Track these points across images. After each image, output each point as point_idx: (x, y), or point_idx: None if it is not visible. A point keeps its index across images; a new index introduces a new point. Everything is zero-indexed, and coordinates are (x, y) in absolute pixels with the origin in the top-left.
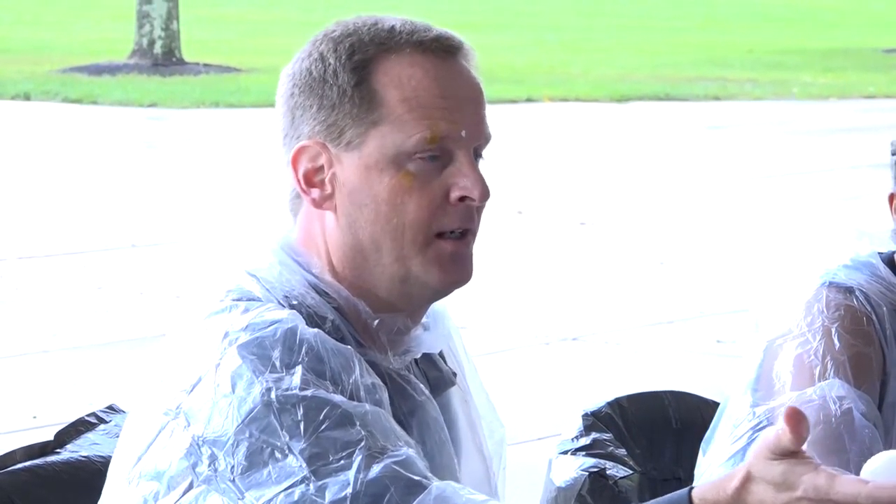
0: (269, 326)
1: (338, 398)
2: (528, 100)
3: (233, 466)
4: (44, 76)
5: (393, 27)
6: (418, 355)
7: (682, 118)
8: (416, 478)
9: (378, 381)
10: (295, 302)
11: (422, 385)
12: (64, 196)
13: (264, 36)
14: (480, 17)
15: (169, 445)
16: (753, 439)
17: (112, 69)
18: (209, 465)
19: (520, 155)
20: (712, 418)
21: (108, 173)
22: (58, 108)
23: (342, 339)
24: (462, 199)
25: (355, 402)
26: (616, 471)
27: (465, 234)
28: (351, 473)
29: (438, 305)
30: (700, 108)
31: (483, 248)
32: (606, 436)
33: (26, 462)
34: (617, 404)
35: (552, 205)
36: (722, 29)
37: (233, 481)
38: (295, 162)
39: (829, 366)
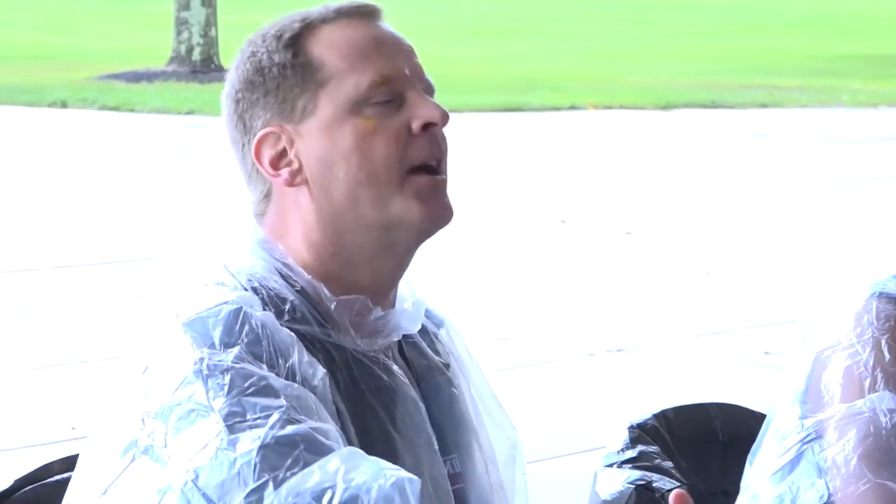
0: (215, 307)
1: (269, 374)
2: (572, 107)
3: (165, 433)
4: (81, 83)
5: (312, 10)
6: (389, 338)
7: (729, 126)
8: (329, 442)
9: (320, 368)
10: (256, 284)
11: (396, 367)
12: (101, 204)
13: None
14: (522, 25)
15: (122, 422)
16: (802, 452)
17: (150, 76)
18: (148, 436)
19: (564, 163)
20: (759, 431)
21: (145, 181)
22: (95, 116)
23: (303, 320)
24: (425, 127)
25: (286, 381)
26: (662, 483)
27: (439, 170)
28: (264, 429)
29: (418, 290)
30: (747, 115)
31: (526, 258)
32: (653, 448)
33: (64, 474)
34: (663, 416)
35: (597, 214)
36: (768, 35)
37: (164, 447)
38: (258, 155)
39: (878, 378)
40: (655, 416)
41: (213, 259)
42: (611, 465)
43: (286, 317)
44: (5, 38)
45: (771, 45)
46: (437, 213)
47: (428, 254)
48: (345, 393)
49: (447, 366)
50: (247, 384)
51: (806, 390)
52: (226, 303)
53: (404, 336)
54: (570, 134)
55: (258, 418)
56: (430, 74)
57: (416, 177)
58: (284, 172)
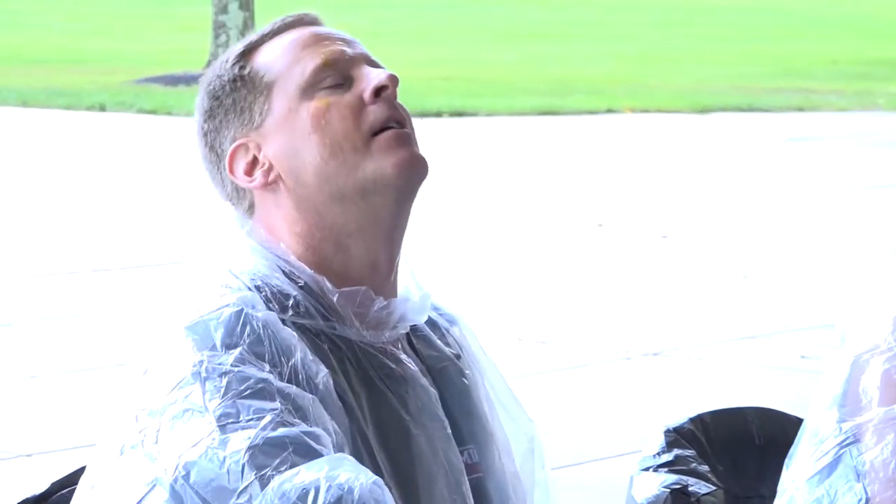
0: (216, 310)
1: (268, 376)
2: (608, 111)
3: (158, 430)
4: (118, 87)
5: (252, 34)
6: (396, 330)
7: (765, 129)
8: (318, 447)
9: (322, 367)
10: (259, 283)
11: (404, 356)
12: (139, 207)
13: None
14: (559, 28)
15: (117, 422)
16: (840, 456)
17: (187, 79)
18: (140, 432)
19: (600, 167)
20: (796, 435)
21: (183, 184)
22: (132, 119)
23: (307, 314)
24: (377, 93)
25: (285, 384)
26: (699, 487)
27: (403, 127)
28: (255, 430)
29: (425, 285)
30: (783, 119)
31: (563, 261)
32: (689, 452)
33: None
34: (699, 420)
35: (633, 217)
36: (804, 39)
37: (156, 443)
38: (232, 171)
39: None
40: (692, 419)
41: (217, 263)
42: (647, 469)
43: (290, 312)
44: (44, 41)
45: (807, 48)
46: (408, 161)
47: (465, 257)
48: (355, 382)
49: (458, 356)
50: (243, 387)
51: (844, 394)
52: (227, 305)
53: (413, 330)
54: (607, 137)
55: (251, 420)
56: (466, 78)
57: (379, 135)
58: (258, 175)
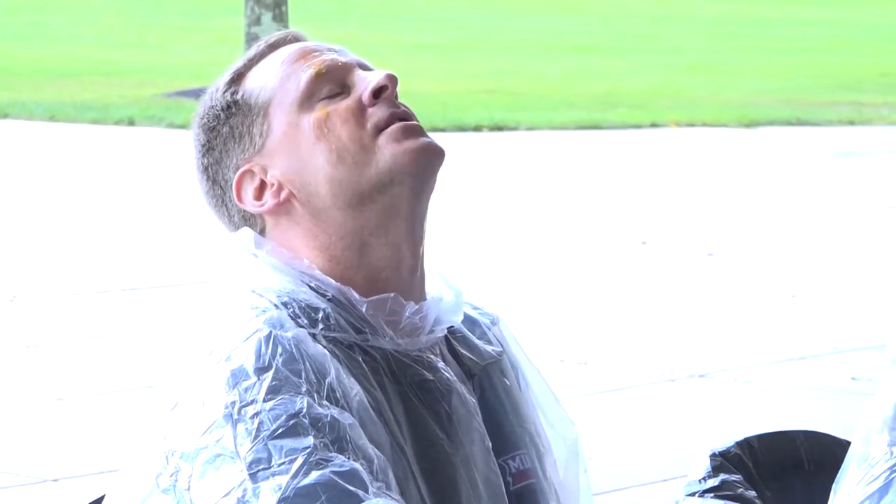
0: (246, 339)
1: (302, 403)
2: (653, 125)
3: (190, 476)
4: (148, 101)
5: (238, 61)
6: (433, 334)
7: (814, 144)
8: (353, 489)
9: (355, 384)
10: (286, 299)
11: (442, 364)
12: (168, 225)
13: (375, 58)
14: (603, 40)
15: (146, 457)
16: (891, 480)
17: None
18: (171, 475)
19: (644, 183)
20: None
21: None
22: (162, 134)
23: (338, 328)
24: (376, 94)
25: (319, 409)
26: None
27: (408, 119)
28: (286, 478)
29: (454, 282)
30: (833, 133)
31: (606, 280)
32: (735, 477)
33: None
34: (746, 444)
35: (678, 235)
36: (854, 51)
37: (187, 489)
38: (241, 199)
39: None
40: (738, 443)
41: (240, 285)
42: (692, 495)
43: (321, 325)
44: (73, 54)
45: (857, 61)
46: (423, 147)
47: (505, 275)
48: (392, 396)
49: (500, 353)
50: (275, 425)
51: (894, 416)
52: (256, 331)
53: (451, 332)
54: (651, 152)
55: (283, 464)
56: (508, 91)
57: (386, 130)
58: (268, 198)
